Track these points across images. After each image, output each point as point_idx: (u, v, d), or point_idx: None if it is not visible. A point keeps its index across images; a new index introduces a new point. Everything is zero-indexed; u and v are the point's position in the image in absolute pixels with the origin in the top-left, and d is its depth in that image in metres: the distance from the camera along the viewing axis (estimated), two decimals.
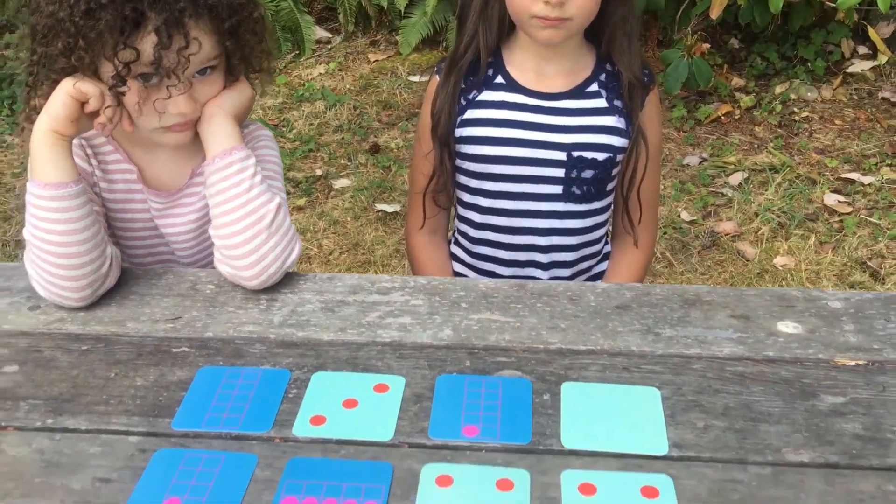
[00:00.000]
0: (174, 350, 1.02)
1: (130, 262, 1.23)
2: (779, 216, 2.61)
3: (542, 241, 1.35)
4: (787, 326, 1.03)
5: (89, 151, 1.16)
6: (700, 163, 2.91)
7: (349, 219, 2.72)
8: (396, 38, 3.70)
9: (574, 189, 1.30)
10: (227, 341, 1.03)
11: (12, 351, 1.02)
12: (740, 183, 2.77)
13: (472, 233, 1.39)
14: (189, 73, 1.06)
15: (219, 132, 1.09)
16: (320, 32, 3.86)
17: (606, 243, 1.45)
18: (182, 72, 1.04)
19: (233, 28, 1.07)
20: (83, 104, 1.04)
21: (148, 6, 1.01)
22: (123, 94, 1.05)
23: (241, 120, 1.15)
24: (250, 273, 1.08)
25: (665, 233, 2.55)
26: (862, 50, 3.34)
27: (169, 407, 0.94)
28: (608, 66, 1.29)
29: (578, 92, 1.29)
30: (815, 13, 3.19)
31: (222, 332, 1.05)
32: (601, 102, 1.29)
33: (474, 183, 1.35)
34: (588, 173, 1.29)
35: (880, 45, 3.21)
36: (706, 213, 2.66)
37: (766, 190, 2.73)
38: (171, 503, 0.82)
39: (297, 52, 3.71)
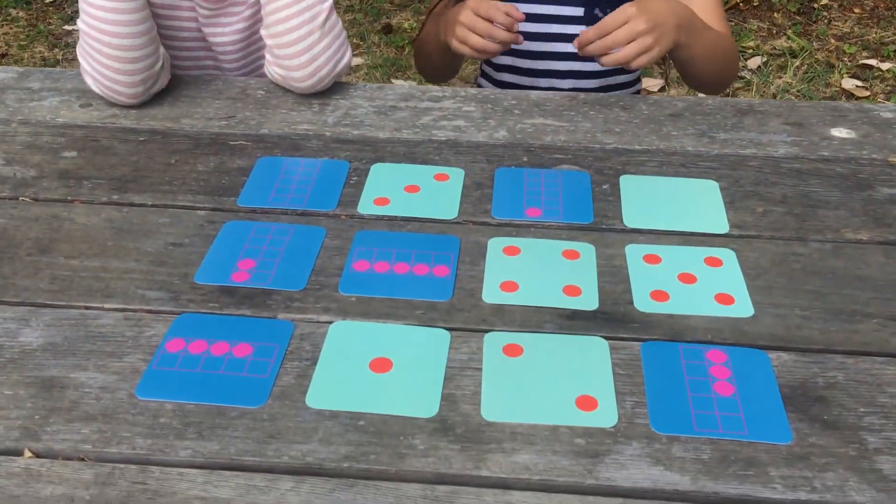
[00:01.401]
0: (231, 143, 1.02)
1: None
2: (797, 98, 2.60)
3: (561, 66, 1.33)
4: (840, 132, 1.04)
5: None
6: None
7: None
8: None
9: (597, 12, 1.27)
10: (283, 137, 1.03)
11: (69, 139, 1.02)
12: (759, 66, 2.75)
13: (496, 59, 1.36)
14: None
15: None
16: None
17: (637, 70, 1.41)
18: None
19: None
20: None
21: None
22: None
23: None
24: (302, 73, 1.07)
25: (695, 93, 2.54)
26: None
27: (232, 188, 0.94)
28: None
29: None
30: None
31: (277, 129, 1.05)
32: None
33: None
34: None
35: None
36: (724, 95, 2.64)
37: (785, 73, 2.71)
38: (246, 263, 0.83)
39: None
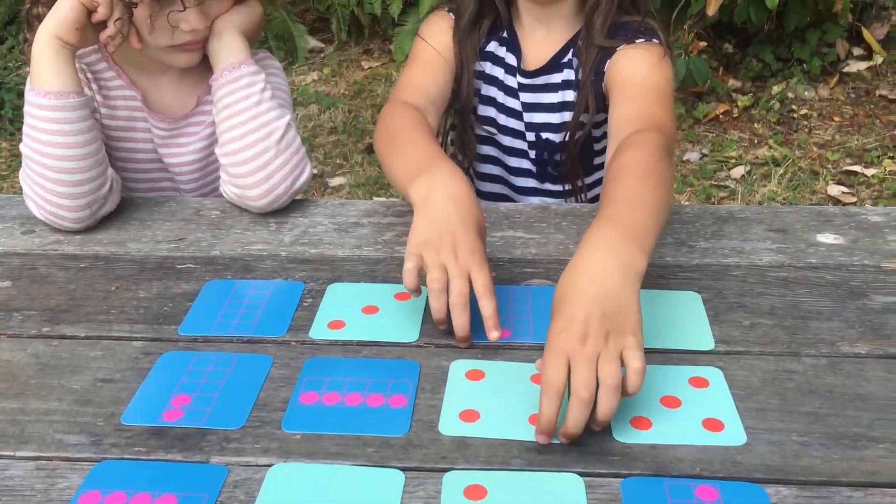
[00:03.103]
0: (179, 266, 0.96)
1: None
2: (782, 205, 2.57)
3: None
4: (827, 238, 0.98)
5: (90, 76, 1.10)
6: (700, 158, 2.88)
7: None
8: (390, 46, 3.68)
9: (550, 170, 1.21)
10: (235, 258, 0.97)
11: (5, 269, 0.96)
12: (743, 175, 2.73)
13: (480, 167, 1.29)
14: None
15: (228, 46, 1.05)
16: (313, 42, 3.85)
17: None
18: None
19: None
20: (91, 13, 0.98)
21: None
22: (135, 5, 0.99)
23: (252, 39, 1.10)
24: (258, 192, 1.02)
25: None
26: (857, 51, 3.34)
27: (175, 315, 0.87)
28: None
29: (552, 65, 1.16)
30: (809, 14, 3.19)
31: (230, 251, 0.99)
32: (571, 74, 1.15)
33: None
34: (559, 156, 1.19)
35: (875, 46, 3.22)
36: (710, 204, 2.62)
37: (770, 182, 2.70)
38: (181, 400, 0.75)
39: (291, 59, 3.68)
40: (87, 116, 0.99)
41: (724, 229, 1.00)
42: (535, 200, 1.24)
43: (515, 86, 1.19)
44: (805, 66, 3.26)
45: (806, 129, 3.01)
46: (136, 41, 1.03)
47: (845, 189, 2.66)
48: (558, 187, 1.23)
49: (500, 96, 1.20)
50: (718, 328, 0.83)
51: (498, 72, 1.20)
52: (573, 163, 1.19)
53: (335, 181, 2.85)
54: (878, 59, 3.22)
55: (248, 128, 1.02)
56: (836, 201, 2.60)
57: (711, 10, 2.89)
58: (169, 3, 1.00)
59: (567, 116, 1.17)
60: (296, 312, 0.87)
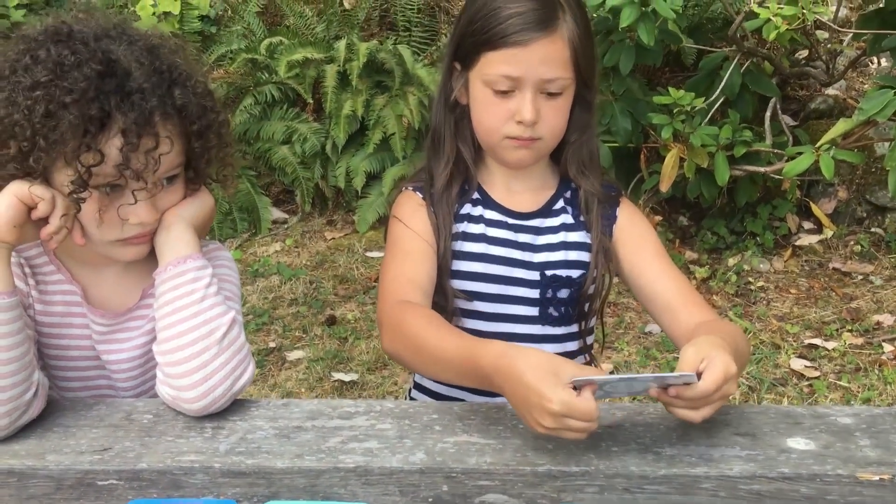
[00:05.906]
0: (100, 483, 0.87)
1: (62, 396, 1.09)
2: (748, 380, 2.54)
3: None
4: (797, 443, 0.93)
5: (27, 270, 1.05)
6: (661, 330, 2.87)
7: (303, 390, 2.58)
8: (353, 217, 3.73)
9: (551, 310, 1.23)
10: (163, 472, 0.89)
11: None
12: None
13: None
14: (158, 176, 0.98)
15: (176, 240, 1.01)
16: (277, 213, 3.88)
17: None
18: (151, 174, 0.96)
19: (201, 131, 1.01)
20: (31, 210, 0.95)
21: (115, 106, 0.93)
22: (83, 200, 0.96)
23: (202, 231, 1.06)
24: (193, 394, 0.95)
25: (634, 399, 2.45)
26: (807, 225, 3.44)
27: None
28: (571, 184, 1.26)
29: (546, 210, 1.24)
30: (759, 190, 3.31)
31: (158, 463, 0.90)
32: (568, 219, 1.24)
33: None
34: (564, 292, 1.23)
35: (825, 221, 3.32)
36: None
37: None
38: None
39: (254, 231, 3.70)
40: (16, 318, 0.93)
41: (689, 433, 0.95)
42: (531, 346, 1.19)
43: (507, 233, 1.22)
44: (758, 238, 3.34)
45: (764, 302, 3.03)
46: (79, 237, 0.99)
47: (808, 363, 2.65)
48: (558, 330, 1.24)
49: (492, 249, 1.22)
50: None
51: (478, 228, 1.22)
52: (581, 303, 1.24)
53: (293, 355, 2.78)
54: (829, 233, 3.31)
55: (189, 325, 0.97)
56: (799, 375, 2.58)
57: (665, 187, 2.98)
58: (119, 195, 0.97)
59: (571, 255, 1.22)
60: None
